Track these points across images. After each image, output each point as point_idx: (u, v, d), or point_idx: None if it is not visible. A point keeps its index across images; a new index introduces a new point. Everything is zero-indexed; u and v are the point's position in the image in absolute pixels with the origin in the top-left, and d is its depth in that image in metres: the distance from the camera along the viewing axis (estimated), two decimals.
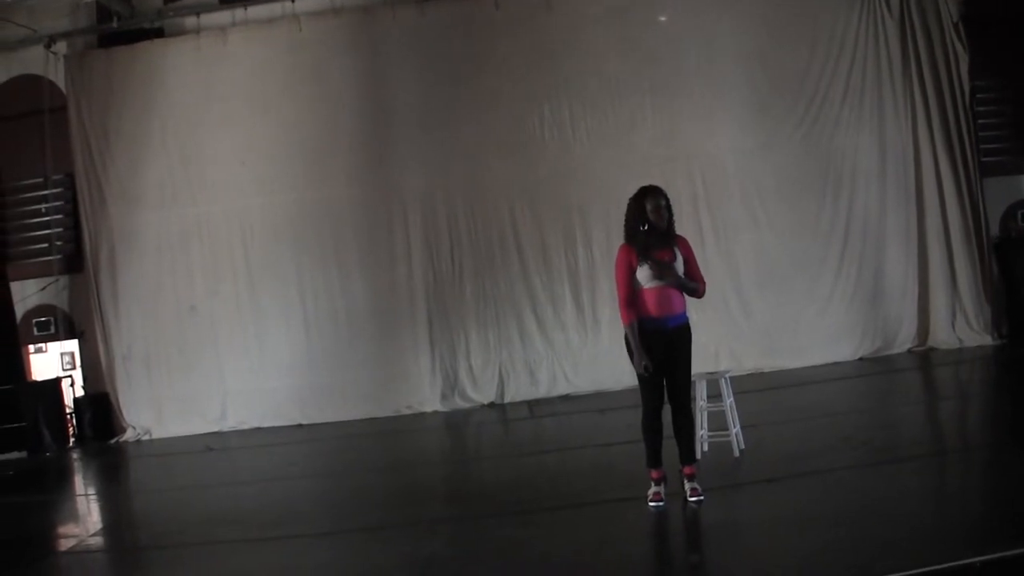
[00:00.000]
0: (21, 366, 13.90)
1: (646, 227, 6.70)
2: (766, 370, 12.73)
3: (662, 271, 6.63)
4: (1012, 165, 13.63)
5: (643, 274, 6.65)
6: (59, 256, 14.12)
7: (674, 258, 6.69)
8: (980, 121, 13.44)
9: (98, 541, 8.24)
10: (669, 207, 6.76)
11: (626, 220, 6.85)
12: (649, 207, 6.72)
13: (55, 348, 14.59)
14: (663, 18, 13.13)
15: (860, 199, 13.15)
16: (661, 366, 6.73)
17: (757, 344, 12.93)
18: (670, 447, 6.89)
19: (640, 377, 6.76)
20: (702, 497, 6.74)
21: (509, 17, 13.10)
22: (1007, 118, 13.65)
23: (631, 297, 6.73)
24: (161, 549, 7.59)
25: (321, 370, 13.20)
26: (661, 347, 6.70)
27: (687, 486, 6.82)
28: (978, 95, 13.38)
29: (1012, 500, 6.19)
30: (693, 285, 6.80)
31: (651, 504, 6.74)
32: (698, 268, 6.85)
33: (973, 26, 13.18)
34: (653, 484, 6.82)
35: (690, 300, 6.86)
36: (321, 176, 13.28)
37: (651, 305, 6.68)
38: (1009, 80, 13.54)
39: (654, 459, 6.83)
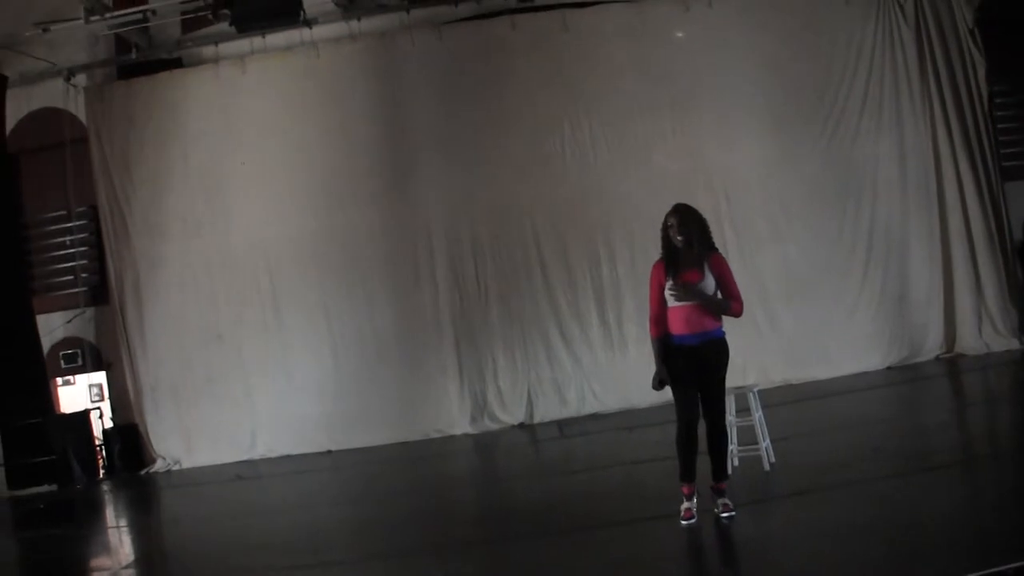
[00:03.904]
0: (49, 399, 13.85)
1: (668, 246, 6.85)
2: (795, 382, 12.73)
3: (681, 294, 6.69)
4: None
5: (669, 293, 6.73)
6: (84, 288, 14.17)
7: (701, 278, 6.73)
8: (999, 126, 13.53)
9: (131, 573, 8.23)
10: (692, 224, 6.80)
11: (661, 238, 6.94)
12: (666, 224, 6.86)
13: (83, 380, 14.60)
14: (680, 34, 13.17)
15: (882, 208, 13.17)
16: (693, 382, 6.78)
17: (785, 356, 12.91)
18: (703, 462, 6.90)
19: (674, 392, 6.83)
20: (734, 512, 6.79)
21: (525, 37, 13.16)
22: None
23: (660, 313, 6.84)
24: None
25: (349, 396, 13.20)
26: (687, 363, 6.75)
27: (718, 502, 6.87)
28: (996, 100, 13.48)
29: None
30: (723, 305, 6.81)
31: (683, 521, 6.75)
32: (734, 286, 6.84)
33: (989, 31, 13.24)
34: (684, 499, 6.83)
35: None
36: (343, 201, 13.32)
37: (677, 323, 6.78)
38: None
39: (687, 474, 6.85)
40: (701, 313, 6.73)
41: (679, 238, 6.75)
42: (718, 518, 6.78)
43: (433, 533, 7.99)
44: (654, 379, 6.86)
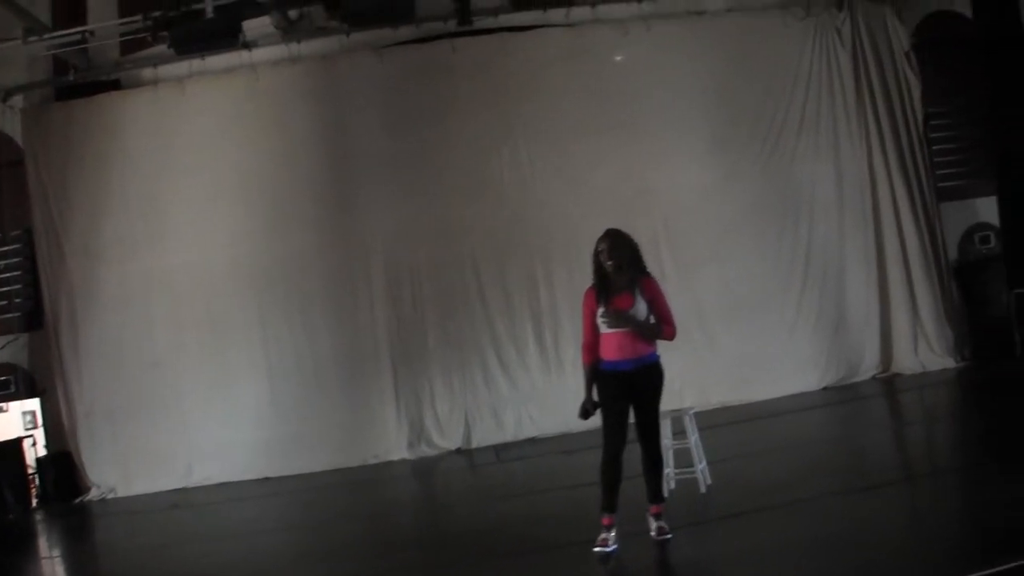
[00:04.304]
0: None
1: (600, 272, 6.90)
2: (732, 404, 12.76)
3: (613, 321, 6.72)
4: (968, 189, 13.78)
5: (601, 319, 6.74)
6: (18, 313, 13.82)
7: (633, 303, 6.76)
8: (935, 147, 13.70)
9: None
10: (624, 248, 6.87)
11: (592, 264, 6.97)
12: (597, 250, 6.89)
13: (16, 407, 14.18)
14: (619, 58, 13.24)
15: (819, 229, 13.35)
16: (625, 408, 6.83)
17: (722, 378, 12.95)
18: (630, 489, 6.91)
19: (604, 419, 6.86)
20: (670, 535, 6.80)
21: (466, 60, 13.15)
22: (961, 143, 13.82)
23: (592, 340, 6.90)
24: None
25: (286, 422, 13.02)
26: (620, 389, 6.79)
27: (654, 525, 6.90)
28: (931, 121, 13.65)
29: (982, 520, 6.37)
30: (656, 329, 6.85)
31: (595, 549, 6.71)
32: (666, 309, 6.90)
33: (924, 54, 13.52)
34: (603, 530, 6.80)
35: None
36: (282, 225, 13.17)
37: (610, 349, 6.83)
38: (961, 105, 13.71)
39: (607, 505, 6.83)
40: (634, 339, 6.78)
41: (610, 263, 6.80)
42: (655, 541, 6.80)
43: (373, 559, 8.00)
44: (580, 408, 6.88)
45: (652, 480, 6.95)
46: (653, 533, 6.86)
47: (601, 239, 6.91)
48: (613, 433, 6.80)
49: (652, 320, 6.84)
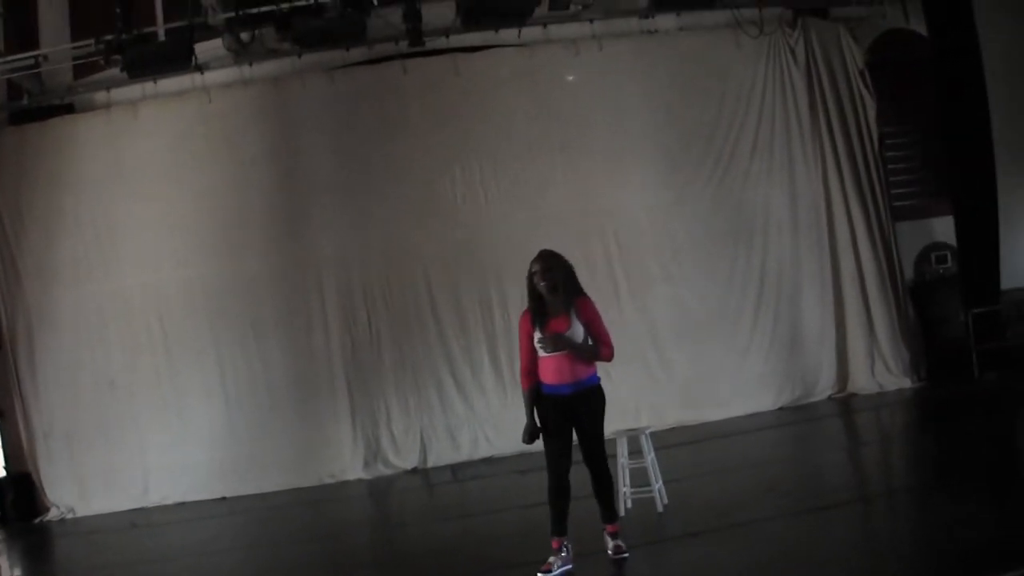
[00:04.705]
0: None
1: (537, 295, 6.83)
2: (688, 424, 12.76)
3: (550, 345, 6.69)
4: (923, 208, 13.83)
5: (538, 344, 6.71)
6: None
7: (569, 326, 6.72)
8: (890, 166, 13.73)
9: None
10: (557, 269, 6.81)
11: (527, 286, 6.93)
12: (530, 272, 6.85)
13: None
14: (571, 78, 13.24)
15: (773, 249, 13.35)
16: (566, 433, 6.81)
17: (677, 398, 12.97)
18: (588, 507, 6.93)
19: (544, 443, 6.86)
20: (626, 555, 6.81)
21: (417, 81, 13.14)
22: (916, 162, 13.85)
23: (531, 364, 6.86)
24: None
25: (242, 442, 13.03)
26: (559, 414, 6.76)
27: (611, 544, 6.89)
28: (887, 140, 13.65)
29: (936, 540, 6.37)
30: (592, 351, 6.81)
31: (538, 574, 6.66)
32: (603, 331, 6.85)
33: (879, 72, 13.49)
34: (552, 553, 6.77)
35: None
36: (236, 247, 13.17)
37: (548, 373, 6.79)
38: (916, 124, 13.73)
39: (555, 527, 6.82)
40: (573, 362, 6.75)
41: (543, 284, 6.75)
42: (611, 560, 6.81)
43: None
44: (524, 433, 6.86)
45: (604, 501, 6.95)
46: (610, 552, 6.86)
47: (534, 260, 6.86)
48: (556, 458, 6.79)
49: (590, 342, 6.80)
